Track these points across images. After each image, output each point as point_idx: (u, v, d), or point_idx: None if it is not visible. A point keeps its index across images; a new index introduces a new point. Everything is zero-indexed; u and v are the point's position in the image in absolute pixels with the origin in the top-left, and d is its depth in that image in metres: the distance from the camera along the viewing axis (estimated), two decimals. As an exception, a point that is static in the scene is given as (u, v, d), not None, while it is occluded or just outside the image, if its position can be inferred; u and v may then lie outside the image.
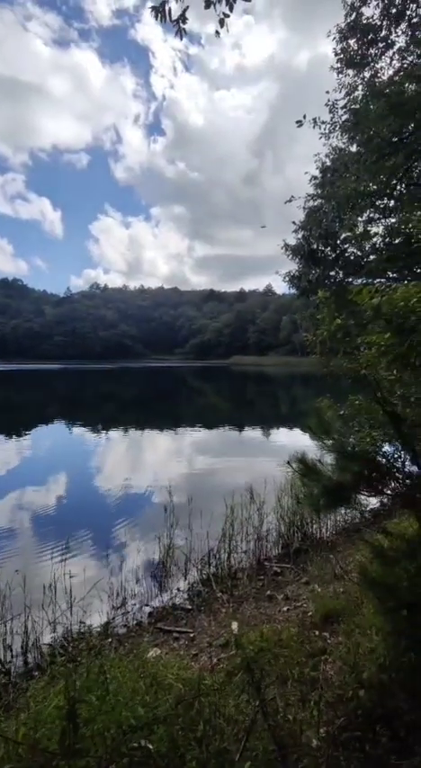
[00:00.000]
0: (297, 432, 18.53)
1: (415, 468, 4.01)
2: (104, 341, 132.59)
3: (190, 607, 5.49)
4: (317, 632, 4.54)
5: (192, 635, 4.77)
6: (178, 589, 6.02)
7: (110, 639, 4.74)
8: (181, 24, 5.19)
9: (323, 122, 8.78)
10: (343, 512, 7.71)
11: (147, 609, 5.56)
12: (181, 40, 5.34)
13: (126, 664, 3.55)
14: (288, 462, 3.84)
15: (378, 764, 2.19)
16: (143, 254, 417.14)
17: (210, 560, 6.50)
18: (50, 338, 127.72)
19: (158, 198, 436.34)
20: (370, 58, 8.95)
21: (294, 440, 16.44)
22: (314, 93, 8.97)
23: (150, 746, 2.10)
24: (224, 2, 4.88)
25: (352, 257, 10.43)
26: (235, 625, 4.85)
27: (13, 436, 17.99)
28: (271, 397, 40.22)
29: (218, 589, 5.85)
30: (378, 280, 10.02)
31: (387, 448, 4.09)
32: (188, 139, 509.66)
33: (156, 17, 5.19)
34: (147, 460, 15.12)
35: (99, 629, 4.91)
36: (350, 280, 10.12)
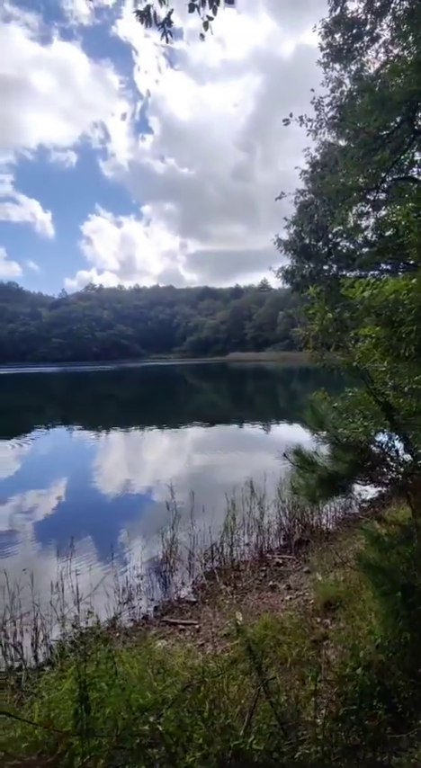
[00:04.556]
0: (296, 426, 18.64)
1: (408, 457, 4.13)
2: (101, 342, 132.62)
3: (194, 600, 5.61)
4: (318, 619, 4.67)
5: (197, 626, 4.90)
6: (182, 583, 6.14)
7: (117, 633, 4.86)
8: (166, 27, 5.24)
9: (309, 120, 8.83)
10: (342, 502, 7.84)
11: (153, 603, 5.68)
12: (166, 42, 5.39)
13: (134, 654, 3.67)
14: (284, 455, 3.96)
15: (376, 736, 2.30)
16: (136, 253, 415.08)
17: (213, 554, 6.63)
18: (47, 341, 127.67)
19: (149, 196, 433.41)
20: (355, 52, 9.00)
21: (293, 434, 16.55)
22: (301, 84, 8.99)
23: (160, 727, 2.22)
24: (207, 5, 4.94)
25: (344, 251, 10.53)
26: (239, 615, 4.98)
27: (14, 441, 18.06)
28: (270, 393, 40.34)
29: (221, 581, 5.98)
30: (371, 272, 10.13)
31: (381, 437, 4.18)
32: (176, 135, 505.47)
33: (142, 21, 5.26)
34: (150, 459, 15.23)
35: (107, 624, 5.03)
36: (344, 273, 10.21)
